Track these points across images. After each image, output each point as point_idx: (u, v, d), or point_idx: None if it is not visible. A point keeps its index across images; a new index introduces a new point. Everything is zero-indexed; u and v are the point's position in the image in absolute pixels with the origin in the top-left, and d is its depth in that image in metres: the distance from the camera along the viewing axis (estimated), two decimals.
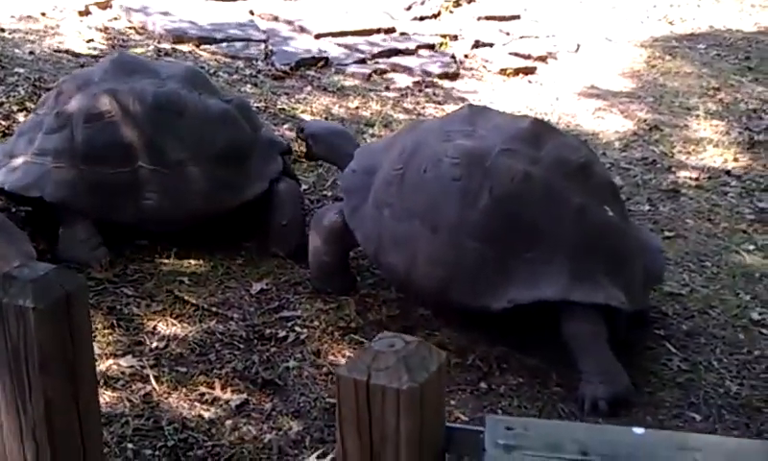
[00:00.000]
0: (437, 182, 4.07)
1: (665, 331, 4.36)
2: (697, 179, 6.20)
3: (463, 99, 7.60)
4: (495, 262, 3.95)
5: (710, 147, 6.78)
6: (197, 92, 4.74)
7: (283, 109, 6.83)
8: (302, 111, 6.85)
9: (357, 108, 7.11)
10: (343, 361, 3.95)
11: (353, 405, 1.71)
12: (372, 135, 6.48)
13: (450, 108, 7.39)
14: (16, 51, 7.13)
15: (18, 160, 4.65)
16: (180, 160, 4.58)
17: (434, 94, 7.67)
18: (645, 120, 7.27)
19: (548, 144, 4.16)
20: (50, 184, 4.54)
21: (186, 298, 4.29)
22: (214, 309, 4.24)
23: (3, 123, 5.71)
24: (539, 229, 3.95)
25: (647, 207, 5.76)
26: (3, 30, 7.63)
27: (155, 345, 3.96)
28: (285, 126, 6.49)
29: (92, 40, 7.71)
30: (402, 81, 7.86)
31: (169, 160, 4.56)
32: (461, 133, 4.21)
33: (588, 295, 3.89)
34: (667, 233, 5.39)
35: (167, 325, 4.10)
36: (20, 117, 5.80)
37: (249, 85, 7.27)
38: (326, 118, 6.78)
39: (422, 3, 9.67)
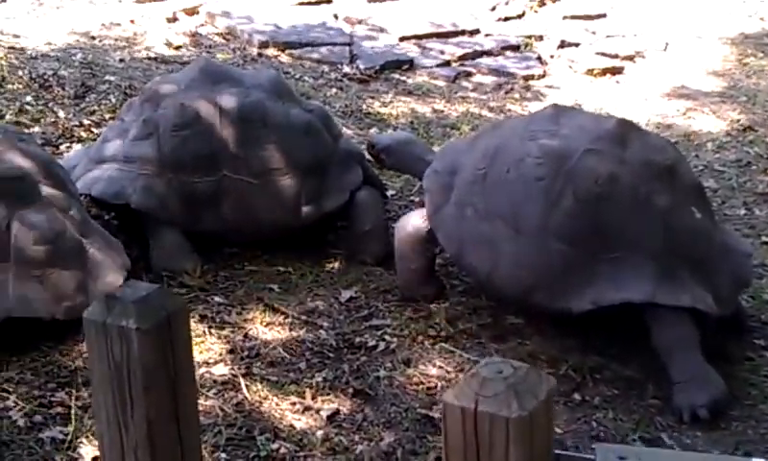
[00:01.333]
0: (520, 183, 4.02)
1: (765, 341, 4.22)
2: None
3: (549, 100, 7.50)
4: (579, 264, 3.88)
5: None
6: (281, 102, 4.75)
7: (369, 112, 6.83)
8: (388, 115, 6.84)
9: (442, 110, 7.08)
10: (434, 371, 3.92)
11: (460, 434, 1.68)
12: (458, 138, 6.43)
13: (535, 108, 7.30)
14: (107, 59, 7.26)
15: (104, 166, 4.72)
16: (265, 171, 4.60)
17: (520, 96, 7.61)
18: (738, 121, 7.08)
19: (634, 144, 4.08)
20: (136, 192, 4.59)
21: (276, 306, 4.30)
22: (304, 317, 4.24)
23: (95, 131, 5.80)
24: (624, 231, 3.87)
25: (743, 211, 5.59)
26: (93, 38, 7.78)
27: (246, 353, 3.97)
28: (372, 130, 6.48)
29: (180, 47, 7.83)
30: (487, 82, 7.81)
31: (253, 171, 4.59)
32: (545, 132, 4.14)
33: (675, 298, 3.79)
34: (765, 239, 5.23)
35: (258, 333, 4.12)
36: None
37: (334, 89, 7.30)
38: (412, 122, 6.76)
39: (507, 3, 9.60)
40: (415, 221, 4.43)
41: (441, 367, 3.96)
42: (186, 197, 4.59)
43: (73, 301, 3.92)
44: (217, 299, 4.35)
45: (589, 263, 3.85)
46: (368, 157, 5.04)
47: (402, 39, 8.53)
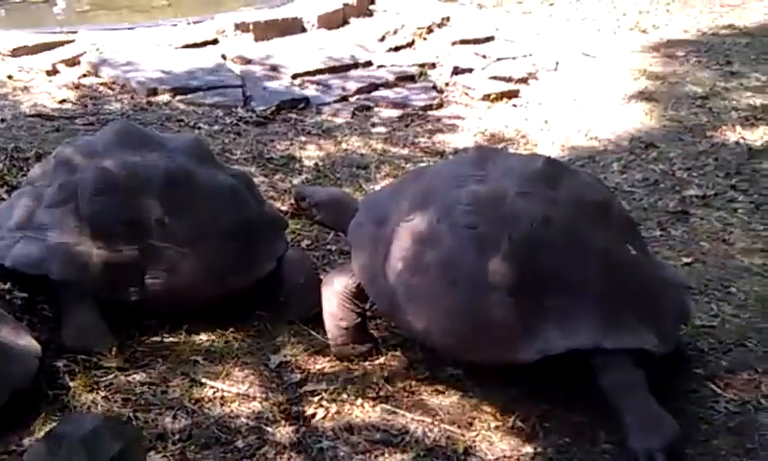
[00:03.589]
0: (451, 232, 3.88)
1: (705, 370, 4.17)
2: (703, 196, 6.05)
3: (451, 130, 7.44)
4: (520, 313, 3.75)
5: (711, 160, 6.66)
6: (204, 166, 4.53)
7: (271, 157, 6.60)
8: (291, 158, 6.62)
9: (346, 148, 6.91)
10: (378, 435, 3.73)
11: None
12: (368, 180, 6.28)
13: (440, 140, 7.23)
14: None
15: (15, 235, 4.38)
16: (192, 239, 4.35)
17: (421, 127, 7.49)
18: (639, 138, 7.13)
19: (564, 184, 4.00)
20: (55, 262, 4.28)
21: (203, 380, 4.04)
22: (234, 390, 3.99)
23: None
24: (563, 274, 3.77)
25: (659, 233, 5.59)
26: None
27: (177, 437, 3.69)
28: (277, 176, 6.27)
29: (65, 101, 7.43)
30: (387, 116, 7.69)
31: (180, 239, 4.34)
32: (472, 177, 4.03)
33: (621, 340, 3.71)
34: (685, 259, 5.22)
35: (187, 413, 3.85)
36: (2, 192, 5.52)
37: (232, 135, 7.03)
38: (316, 164, 6.57)
39: (395, 32, 9.51)
40: (342, 277, 4.24)
41: (385, 431, 3.77)
42: (109, 266, 4.30)
43: None
44: (138, 378, 4.07)
45: (532, 310, 3.73)
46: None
47: (295, 77, 8.32)
